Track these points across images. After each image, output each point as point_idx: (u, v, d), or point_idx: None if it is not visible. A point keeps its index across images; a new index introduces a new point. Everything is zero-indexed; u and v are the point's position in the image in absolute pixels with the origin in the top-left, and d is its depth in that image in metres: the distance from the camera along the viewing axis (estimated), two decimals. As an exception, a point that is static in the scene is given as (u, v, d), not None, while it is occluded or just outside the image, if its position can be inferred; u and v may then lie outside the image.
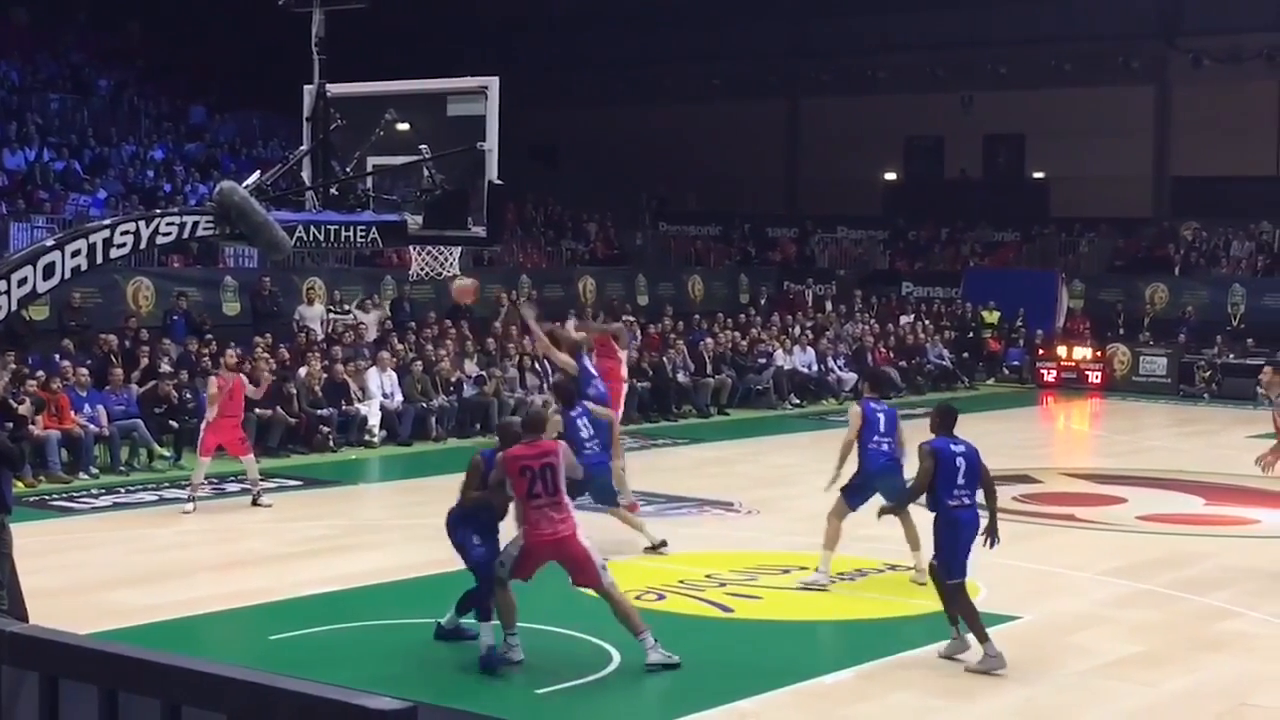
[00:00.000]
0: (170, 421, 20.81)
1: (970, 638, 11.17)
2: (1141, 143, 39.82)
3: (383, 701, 3.20)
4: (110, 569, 14.39)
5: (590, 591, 10.97)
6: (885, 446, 13.63)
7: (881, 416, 13.72)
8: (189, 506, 17.16)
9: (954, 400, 30.34)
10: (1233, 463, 22.34)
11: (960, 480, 11.20)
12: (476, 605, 11.01)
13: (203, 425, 17.74)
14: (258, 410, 20.50)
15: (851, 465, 13.72)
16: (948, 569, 11.15)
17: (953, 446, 11.29)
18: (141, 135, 31.96)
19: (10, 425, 11.69)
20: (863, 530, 16.06)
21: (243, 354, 20.78)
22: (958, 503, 11.19)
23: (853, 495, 13.66)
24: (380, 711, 3.18)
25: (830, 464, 13.79)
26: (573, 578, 11.02)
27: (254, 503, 17.56)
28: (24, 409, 15.01)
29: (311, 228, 11.04)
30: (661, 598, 13.16)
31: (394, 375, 23.60)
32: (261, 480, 18.06)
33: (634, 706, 10.37)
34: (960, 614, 11.23)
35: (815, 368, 30.26)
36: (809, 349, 30.45)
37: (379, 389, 23.21)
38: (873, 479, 13.63)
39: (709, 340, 29.06)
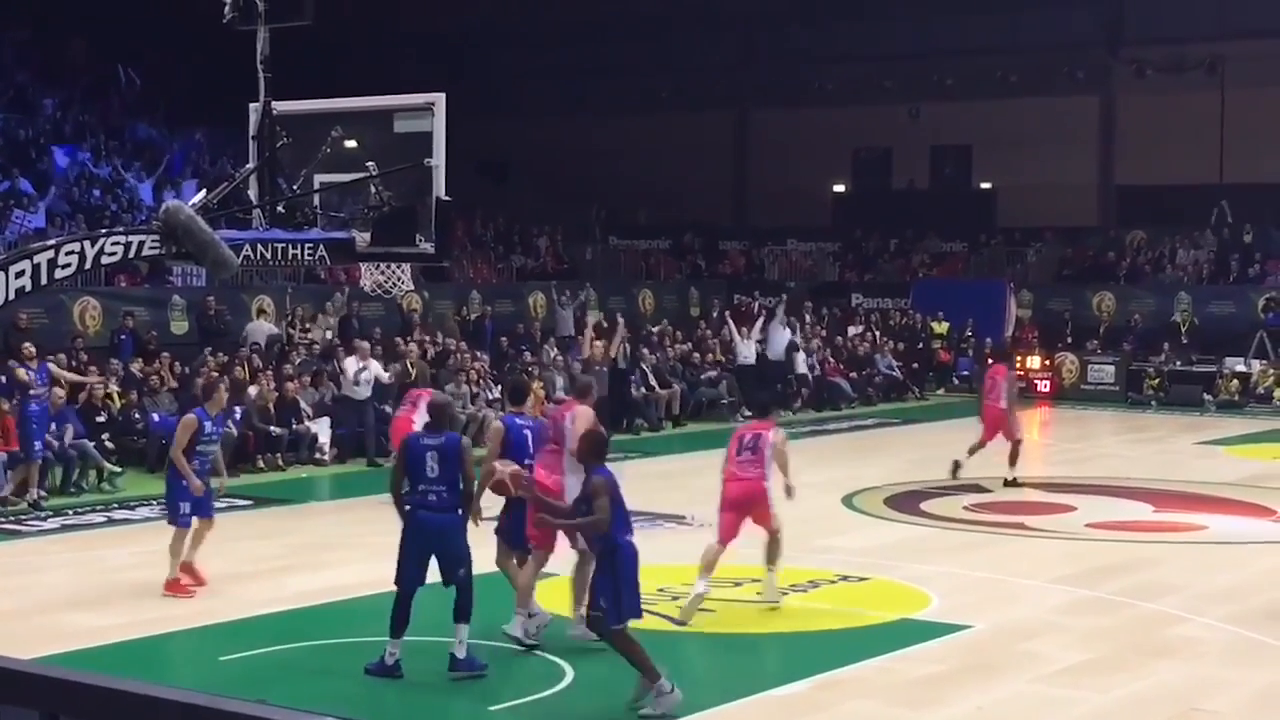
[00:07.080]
0: (108, 442, 20.55)
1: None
2: (1087, 152, 40.16)
3: (327, 722, 3.19)
4: (58, 591, 14.26)
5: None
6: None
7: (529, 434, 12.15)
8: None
9: (904, 410, 30.73)
10: (1181, 469, 22.57)
11: (624, 511, 10.42)
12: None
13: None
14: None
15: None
16: (623, 612, 10.16)
17: (614, 476, 10.42)
18: (87, 154, 31.71)
19: None
20: (817, 541, 16.14)
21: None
22: (630, 534, 10.45)
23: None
24: (325, 732, 3.16)
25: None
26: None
27: None
28: None
29: (259, 246, 10.97)
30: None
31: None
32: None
33: (587, 721, 10.35)
34: (629, 656, 10.19)
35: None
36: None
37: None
38: None
39: (644, 350, 28.85)
